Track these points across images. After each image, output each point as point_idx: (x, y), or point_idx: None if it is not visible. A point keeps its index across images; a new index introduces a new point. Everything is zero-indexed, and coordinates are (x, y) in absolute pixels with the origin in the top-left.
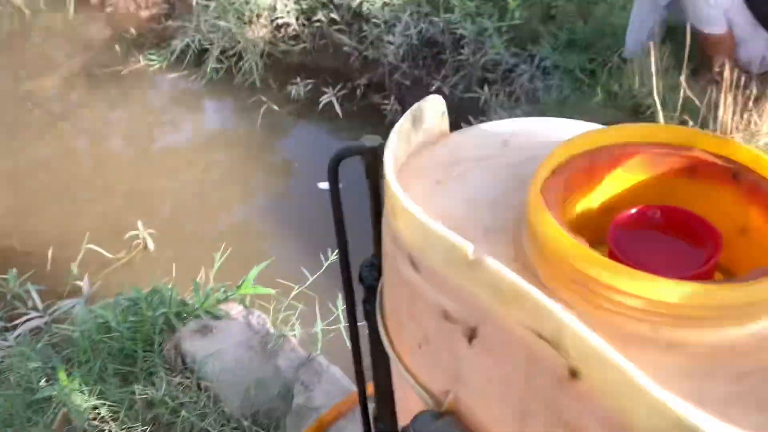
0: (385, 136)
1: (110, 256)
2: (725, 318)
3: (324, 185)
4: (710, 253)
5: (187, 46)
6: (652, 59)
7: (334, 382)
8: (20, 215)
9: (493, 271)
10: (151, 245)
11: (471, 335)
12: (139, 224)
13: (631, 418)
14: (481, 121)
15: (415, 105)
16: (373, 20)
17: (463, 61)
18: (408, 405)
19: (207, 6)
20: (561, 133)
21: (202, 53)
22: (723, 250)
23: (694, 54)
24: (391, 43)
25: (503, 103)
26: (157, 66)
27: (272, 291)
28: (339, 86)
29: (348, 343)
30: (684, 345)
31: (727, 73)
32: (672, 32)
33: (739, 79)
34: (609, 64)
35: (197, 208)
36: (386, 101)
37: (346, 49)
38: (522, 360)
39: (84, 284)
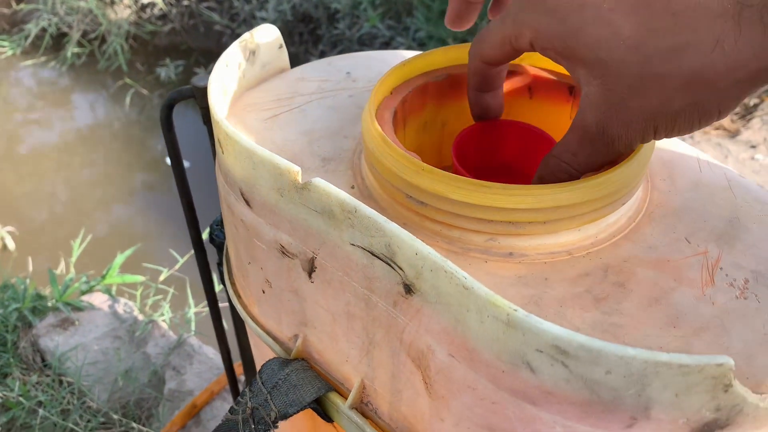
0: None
1: None
2: (559, 222)
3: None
4: None
5: (43, 30)
6: None
7: (207, 362)
8: None
9: (322, 192)
10: (11, 245)
11: (310, 269)
12: None
13: (466, 325)
14: None
15: (246, 34)
16: None
17: (339, 35)
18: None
19: None
20: (396, 57)
21: (60, 38)
22: None
23: None
24: (264, 19)
25: None
26: (10, 53)
27: (140, 278)
28: (211, 67)
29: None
30: (522, 254)
31: None
32: None
33: None
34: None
35: (63, 208)
36: None
37: (217, 28)
38: (359, 284)
39: None
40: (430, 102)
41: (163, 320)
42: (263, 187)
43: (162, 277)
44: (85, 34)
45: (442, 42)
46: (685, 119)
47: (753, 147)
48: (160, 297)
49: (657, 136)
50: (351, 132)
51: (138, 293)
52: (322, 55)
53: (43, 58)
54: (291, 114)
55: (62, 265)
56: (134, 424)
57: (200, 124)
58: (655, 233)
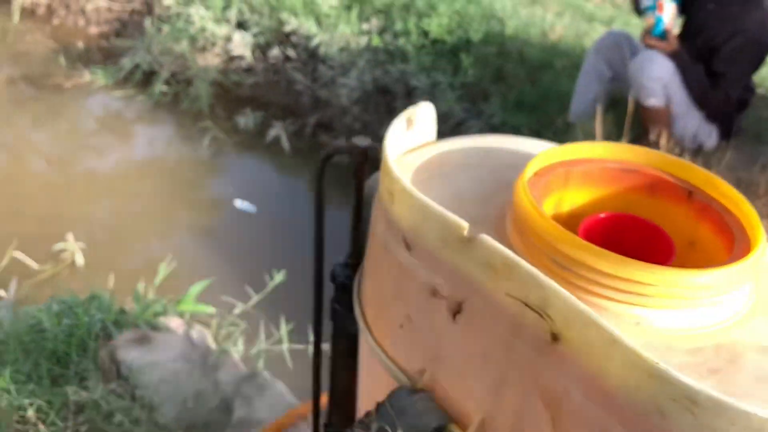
0: (331, 175)
1: (36, 267)
2: (685, 300)
3: (240, 204)
4: (664, 258)
5: (137, 66)
6: (597, 125)
7: (277, 397)
8: None
9: (487, 247)
10: (80, 260)
11: (456, 310)
12: (70, 236)
13: (607, 372)
14: None
15: (410, 108)
16: (329, 62)
17: None
18: (377, 395)
19: (160, 29)
20: (534, 148)
21: (150, 75)
22: (674, 258)
23: (635, 124)
24: (345, 86)
25: None
26: (103, 83)
27: (212, 309)
28: (288, 122)
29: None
30: (649, 322)
31: (663, 142)
32: (614, 103)
33: (672, 150)
34: (554, 125)
35: (136, 227)
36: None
37: (298, 87)
38: (505, 329)
39: (11, 287)
40: (567, 187)
41: (235, 351)
42: (429, 237)
43: (237, 311)
44: (173, 75)
45: (516, 129)
46: None
47: None
48: (232, 328)
49: None
50: (493, 200)
51: (214, 323)
52: None
53: (132, 91)
54: (441, 179)
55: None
56: None
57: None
58: (761, 324)
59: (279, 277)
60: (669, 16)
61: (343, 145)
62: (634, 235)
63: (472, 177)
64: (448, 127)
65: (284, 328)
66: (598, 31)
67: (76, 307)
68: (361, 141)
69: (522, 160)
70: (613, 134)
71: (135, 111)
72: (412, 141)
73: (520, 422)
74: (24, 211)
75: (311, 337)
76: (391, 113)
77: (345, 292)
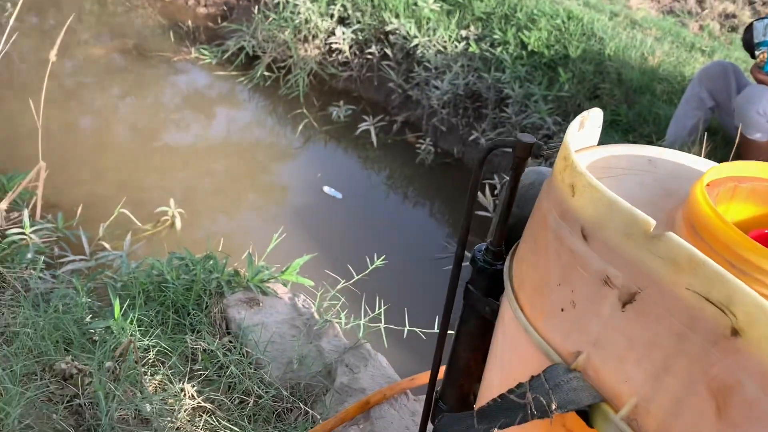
0: (416, 171)
1: (139, 224)
2: None
3: (328, 190)
4: None
5: (241, 49)
6: (702, 152)
7: (380, 369)
8: (51, 171)
9: (673, 244)
10: (178, 224)
11: (628, 300)
12: (171, 202)
13: None
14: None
15: (584, 112)
16: (425, 64)
17: (504, 119)
18: (517, 371)
19: (266, 16)
20: (691, 162)
21: (253, 59)
22: None
23: (733, 155)
24: (437, 88)
25: (550, 158)
26: (207, 61)
27: (312, 283)
28: (378, 118)
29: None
30: None
31: None
32: (711, 132)
33: None
34: None
35: (228, 202)
36: (421, 141)
37: (391, 85)
38: (680, 321)
39: (126, 241)
40: (733, 200)
41: (338, 322)
42: (611, 230)
43: (340, 286)
44: (274, 61)
45: None
46: None
47: None
48: (334, 302)
49: None
50: (661, 205)
51: (319, 294)
52: (484, 132)
53: (234, 72)
54: (609, 181)
55: (251, 248)
56: (301, 405)
57: (351, 168)
58: None
59: (379, 261)
60: None
61: (509, 139)
62: None
63: (637, 182)
64: (537, 138)
65: (382, 308)
66: (698, 60)
67: (194, 264)
68: (527, 137)
69: (683, 171)
70: None
71: (236, 91)
72: (579, 143)
73: (678, 407)
74: (104, 177)
75: (407, 319)
76: (479, 120)
77: (482, 275)
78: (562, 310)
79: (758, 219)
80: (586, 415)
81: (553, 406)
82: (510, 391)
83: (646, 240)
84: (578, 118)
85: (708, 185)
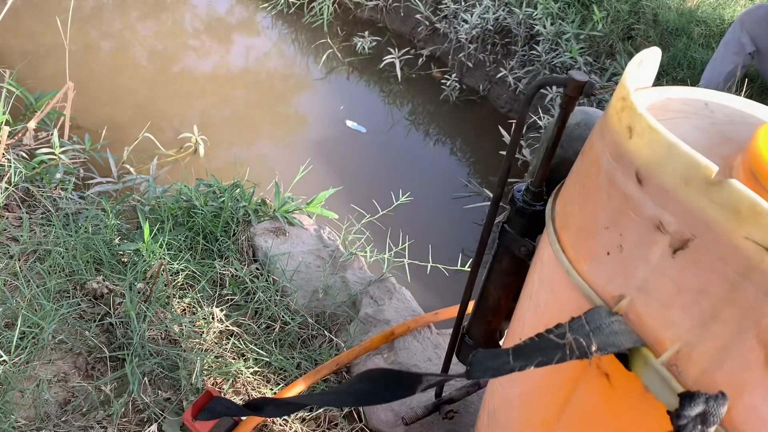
0: (439, 108)
1: (163, 150)
2: None
3: (351, 124)
4: None
5: None
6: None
7: (404, 302)
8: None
9: (735, 191)
10: (201, 150)
11: (680, 246)
12: (195, 128)
13: None
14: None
15: (643, 51)
16: None
17: (534, 57)
18: (555, 313)
19: None
20: (749, 107)
21: None
22: None
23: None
24: (465, 21)
25: (602, 99)
26: None
27: (336, 216)
28: (403, 51)
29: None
30: None
31: None
32: (748, 78)
33: None
34: None
35: (250, 131)
36: (446, 77)
37: (418, 16)
38: (734, 270)
39: (152, 165)
40: None
41: (363, 255)
42: (669, 174)
43: (365, 220)
44: None
45: None
46: None
47: None
48: (359, 236)
49: None
50: (718, 151)
51: (344, 227)
52: (512, 70)
53: (258, 1)
54: (665, 123)
55: (277, 178)
56: (326, 333)
57: (374, 101)
58: None
59: (403, 198)
60: None
61: (561, 77)
62: None
63: (694, 126)
64: None
65: (407, 243)
66: (740, 3)
67: (221, 192)
68: (580, 75)
69: (741, 116)
70: None
71: (259, 18)
72: (638, 82)
73: (724, 355)
74: (125, 100)
75: (430, 255)
76: (508, 56)
77: (520, 216)
78: (608, 253)
79: None
80: (625, 358)
81: (593, 348)
82: (548, 330)
83: (706, 186)
84: (637, 56)
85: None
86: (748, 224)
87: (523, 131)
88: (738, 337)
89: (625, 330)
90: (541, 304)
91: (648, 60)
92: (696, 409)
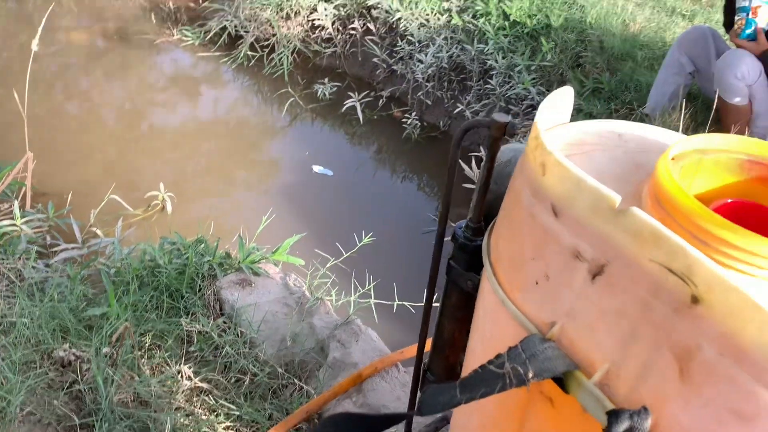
0: (403, 146)
1: (130, 210)
2: None
3: (318, 168)
4: None
5: (223, 29)
6: (681, 117)
7: (370, 342)
8: (39, 158)
9: (638, 218)
10: (169, 207)
11: (597, 272)
12: (161, 186)
13: (742, 335)
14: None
15: (557, 90)
16: (408, 37)
17: (489, 90)
18: (497, 342)
19: None
20: (659, 136)
21: (235, 39)
22: None
23: (712, 119)
24: (421, 61)
25: (525, 135)
26: (190, 42)
27: (302, 262)
28: (363, 94)
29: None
30: None
31: None
32: (691, 97)
33: None
34: (632, 115)
35: (217, 183)
36: (407, 116)
37: (375, 60)
38: (644, 290)
39: (118, 227)
40: (698, 173)
41: (329, 300)
42: (579, 206)
43: (330, 264)
44: (257, 40)
45: (591, 117)
46: None
47: None
48: (324, 280)
49: None
50: (630, 179)
51: (309, 273)
52: (469, 105)
53: (217, 53)
54: (580, 157)
55: (208, 232)
56: (296, 381)
57: (338, 145)
58: None
59: (367, 239)
60: (764, 20)
61: (485, 119)
62: (758, 221)
63: (609, 156)
64: (520, 110)
65: (371, 284)
66: (679, 25)
67: (185, 249)
68: (501, 117)
69: (652, 144)
70: (690, 128)
71: (221, 72)
72: (551, 121)
73: (646, 371)
74: (93, 159)
75: (396, 294)
76: (464, 92)
77: (462, 251)
78: (537, 283)
79: (722, 190)
80: (561, 382)
81: (530, 375)
82: (489, 361)
83: (612, 215)
84: (549, 97)
85: (673, 158)
86: (650, 247)
87: (481, 163)
88: (656, 353)
89: (558, 355)
90: (487, 336)
91: (561, 99)
92: (622, 426)
